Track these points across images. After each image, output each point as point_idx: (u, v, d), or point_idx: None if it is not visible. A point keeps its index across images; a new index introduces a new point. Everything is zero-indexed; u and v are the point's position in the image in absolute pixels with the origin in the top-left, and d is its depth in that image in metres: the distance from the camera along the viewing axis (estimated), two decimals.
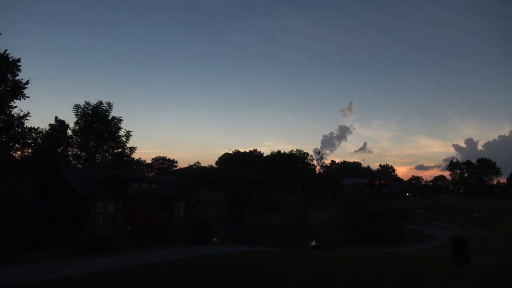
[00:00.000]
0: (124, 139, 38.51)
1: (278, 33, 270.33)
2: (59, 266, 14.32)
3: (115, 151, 38.23)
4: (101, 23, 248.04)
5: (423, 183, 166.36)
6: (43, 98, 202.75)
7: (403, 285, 10.93)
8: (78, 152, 36.66)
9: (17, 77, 25.03)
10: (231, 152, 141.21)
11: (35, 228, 23.76)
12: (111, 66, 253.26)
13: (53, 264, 14.82)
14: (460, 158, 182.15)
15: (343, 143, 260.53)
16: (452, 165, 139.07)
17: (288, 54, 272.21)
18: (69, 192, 23.85)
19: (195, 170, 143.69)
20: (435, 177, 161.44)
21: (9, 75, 24.56)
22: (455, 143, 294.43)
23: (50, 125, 34.90)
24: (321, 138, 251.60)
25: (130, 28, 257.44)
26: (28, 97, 25.29)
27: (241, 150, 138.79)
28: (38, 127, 31.52)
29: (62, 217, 23.76)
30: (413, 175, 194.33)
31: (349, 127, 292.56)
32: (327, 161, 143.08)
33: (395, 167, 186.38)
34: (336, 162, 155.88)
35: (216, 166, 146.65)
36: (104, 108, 37.46)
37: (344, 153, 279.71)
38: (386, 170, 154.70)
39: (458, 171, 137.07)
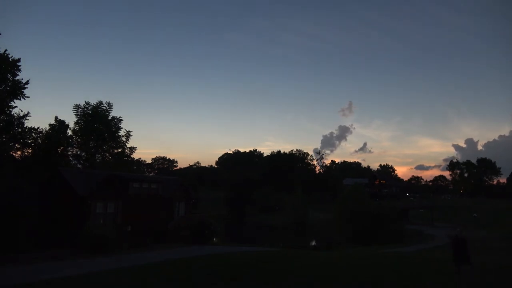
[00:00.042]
0: (124, 139, 38.54)
1: (278, 33, 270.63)
2: (59, 266, 14.32)
3: (115, 151, 38.24)
4: (101, 23, 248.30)
5: (423, 183, 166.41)
6: (43, 98, 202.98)
7: (403, 285, 10.93)
8: (78, 152, 36.67)
9: (17, 77, 25.06)
10: (231, 152, 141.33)
11: (35, 228, 23.76)
12: (111, 66, 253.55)
13: (53, 264, 14.82)
14: (460, 158, 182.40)
15: (343, 143, 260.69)
16: (452, 165, 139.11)
17: (288, 54, 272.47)
18: (69, 192, 23.85)
19: (195, 170, 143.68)
20: (435, 177, 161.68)
21: (9, 75, 24.56)
22: (455, 143, 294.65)
23: (50, 125, 34.93)
24: (321, 138, 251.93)
25: (130, 28, 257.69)
26: (28, 97, 25.32)
27: (241, 150, 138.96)
28: (38, 127, 31.57)
29: (62, 217, 23.76)
30: (413, 175, 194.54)
31: (349, 127, 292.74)
32: (327, 161, 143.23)
33: (395, 167, 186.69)
34: (336, 162, 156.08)
35: (216, 166, 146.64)
36: (104, 108, 37.48)
37: (344, 153, 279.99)
38: (386, 170, 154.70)
39: (458, 171, 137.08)
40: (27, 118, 26.79)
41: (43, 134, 32.98)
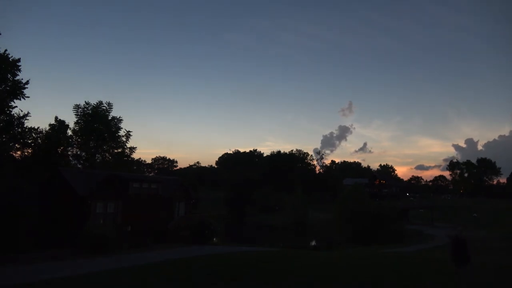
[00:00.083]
0: (124, 139, 38.57)
1: (278, 33, 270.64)
2: (59, 266, 14.31)
3: (115, 151, 38.25)
4: (101, 23, 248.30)
5: (423, 183, 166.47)
6: (43, 98, 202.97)
7: (403, 285, 10.92)
8: (78, 152, 36.69)
9: (17, 77, 25.09)
10: (231, 152, 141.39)
11: (35, 228, 23.76)
12: (111, 66, 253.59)
13: (53, 264, 14.81)
14: (460, 158, 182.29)
15: (343, 143, 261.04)
16: (452, 165, 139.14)
17: (288, 54, 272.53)
18: (69, 192, 23.86)
19: (195, 170, 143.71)
20: (435, 177, 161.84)
21: (9, 75, 24.57)
22: (455, 143, 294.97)
23: (50, 125, 34.96)
24: (321, 138, 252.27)
25: (130, 28, 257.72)
26: (28, 97, 25.34)
27: (241, 150, 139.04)
28: (38, 127, 31.61)
29: (62, 217, 23.77)
30: (413, 175, 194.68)
31: (349, 127, 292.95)
32: (327, 161, 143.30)
33: (395, 167, 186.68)
34: (336, 162, 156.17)
35: (216, 166, 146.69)
36: (104, 108, 37.49)
37: (344, 153, 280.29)
38: (386, 170, 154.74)
39: (458, 171, 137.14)
40: (27, 118, 26.85)
41: (43, 134, 33.01)
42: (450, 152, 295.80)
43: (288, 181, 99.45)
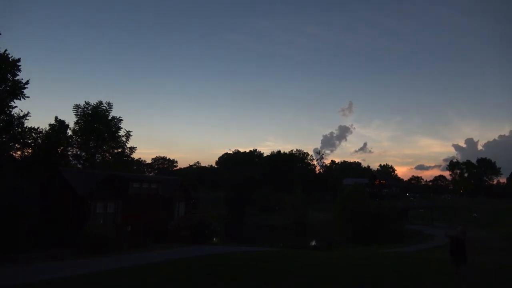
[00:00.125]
0: (124, 139, 38.56)
1: (278, 33, 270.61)
2: (59, 266, 14.32)
3: (115, 151, 38.26)
4: (101, 23, 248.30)
5: (423, 183, 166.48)
6: (43, 98, 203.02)
7: (403, 285, 10.93)
8: (78, 152, 36.69)
9: (17, 77, 25.08)
10: (231, 152, 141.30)
11: (35, 228, 23.77)
12: (111, 66, 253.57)
13: (53, 264, 14.82)
14: (460, 158, 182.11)
15: (343, 143, 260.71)
16: (452, 165, 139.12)
17: (288, 54, 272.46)
18: (69, 192, 23.86)
19: (195, 170, 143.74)
20: (435, 177, 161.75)
21: (9, 75, 24.57)
22: (455, 143, 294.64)
23: (50, 125, 34.95)
24: (321, 138, 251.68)
25: (130, 28, 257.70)
26: (28, 97, 25.33)
27: (241, 150, 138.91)
28: (38, 127, 31.61)
29: (62, 217, 23.77)
30: (413, 175, 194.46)
31: (349, 127, 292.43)
32: (327, 161, 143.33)
33: (395, 167, 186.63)
34: (336, 162, 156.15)
35: (216, 166, 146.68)
36: (104, 108, 37.49)
37: (344, 153, 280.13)
38: (386, 170, 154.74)
39: (458, 171, 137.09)
40: (27, 118, 26.85)
41: (43, 134, 33.01)
42: (450, 152, 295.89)
43: (288, 181, 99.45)
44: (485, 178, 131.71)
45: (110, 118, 37.61)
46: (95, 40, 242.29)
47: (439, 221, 65.34)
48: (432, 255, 20.94)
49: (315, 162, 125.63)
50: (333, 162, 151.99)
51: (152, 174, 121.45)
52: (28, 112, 26.70)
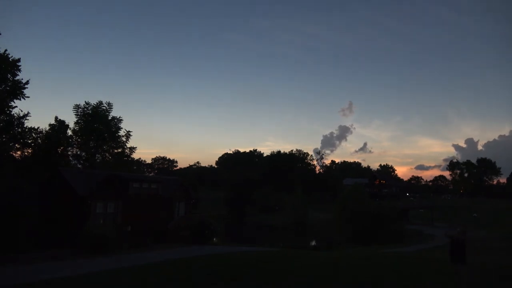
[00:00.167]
0: (124, 139, 38.56)
1: (278, 33, 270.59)
2: (59, 266, 14.32)
3: (115, 151, 38.25)
4: (101, 23, 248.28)
5: (423, 183, 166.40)
6: (43, 98, 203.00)
7: (403, 285, 10.93)
8: (78, 152, 36.68)
9: (17, 77, 25.07)
10: (231, 152, 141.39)
11: (35, 228, 23.77)
12: (111, 66, 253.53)
13: (53, 264, 14.82)
14: (460, 158, 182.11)
15: (343, 143, 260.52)
16: (452, 165, 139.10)
17: (288, 54, 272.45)
18: (69, 192, 23.86)
19: (195, 170, 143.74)
20: (435, 177, 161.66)
21: (9, 75, 24.57)
22: (455, 143, 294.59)
23: (50, 125, 34.94)
24: (321, 138, 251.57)
25: (130, 28, 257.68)
26: (28, 97, 25.33)
27: (241, 150, 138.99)
28: (38, 127, 31.59)
29: (62, 217, 23.77)
30: (413, 175, 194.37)
31: (349, 127, 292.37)
32: (327, 161, 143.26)
33: (395, 167, 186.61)
34: (336, 162, 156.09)
35: (216, 166, 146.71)
36: (104, 108, 37.49)
37: (344, 153, 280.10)
38: (386, 170, 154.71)
39: (458, 171, 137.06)
40: (27, 118, 26.84)
41: (43, 134, 33.00)
42: (450, 152, 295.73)
43: (288, 181, 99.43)
44: (485, 178, 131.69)
45: (110, 118, 37.61)
46: (95, 40, 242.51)
47: (439, 221, 65.32)
48: (432, 255, 20.94)
49: (315, 162, 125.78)
50: (333, 162, 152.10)
51: (152, 174, 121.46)
52: (28, 112, 26.73)
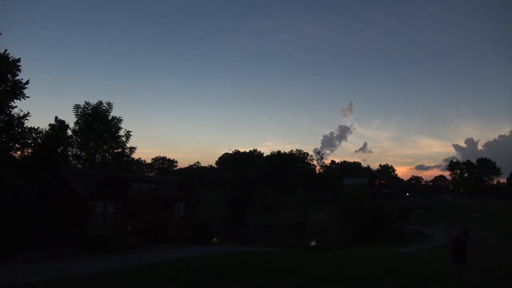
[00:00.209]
0: (124, 139, 38.55)
1: (278, 33, 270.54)
2: (59, 266, 14.32)
3: (115, 151, 38.24)
4: (101, 24, 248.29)
5: (423, 183, 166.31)
6: (43, 98, 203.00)
7: (403, 285, 10.93)
8: (78, 152, 36.68)
9: (17, 77, 25.04)
10: (231, 152, 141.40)
11: (35, 228, 23.75)
12: (111, 66, 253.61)
13: (53, 264, 14.82)
14: (460, 158, 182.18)
15: (343, 143, 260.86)
16: (452, 165, 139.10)
17: (288, 54, 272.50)
18: (69, 192, 23.85)
19: (195, 170, 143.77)
20: (435, 177, 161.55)
21: (9, 75, 24.55)
22: (455, 143, 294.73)
23: (50, 125, 34.92)
24: (321, 138, 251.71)
25: (130, 28, 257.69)
26: (28, 97, 25.31)
27: (241, 150, 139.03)
28: (38, 127, 31.57)
29: (62, 217, 23.76)
30: (413, 175, 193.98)
31: (349, 127, 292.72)
32: (327, 161, 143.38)
33: (395, 167, 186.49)
34: (336, 162, 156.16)
35: (216, 166, 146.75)
36: (104, 108, 37.48)
37: (344, 153, 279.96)
38: (386, 170, 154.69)
39: (458, 171, 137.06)
40: (27, 118, 26.81)
41: (43, 134, 32.98)
42: (450, 152, 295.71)
43: (288, 181, 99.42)
44: (485, 178, 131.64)
45: (110, 118, 37.59)
46: (95, 40, 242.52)
47: (439, 221, 65.29)
48: (432, 255, 20.95)
49: (315, 162, 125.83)
50: (333, 162, 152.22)
51: (152, 174, 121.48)
52: (28, 112, 26.71)
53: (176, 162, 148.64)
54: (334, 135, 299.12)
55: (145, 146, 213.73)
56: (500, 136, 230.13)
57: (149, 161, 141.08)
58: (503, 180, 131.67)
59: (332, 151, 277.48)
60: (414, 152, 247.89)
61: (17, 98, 25.06)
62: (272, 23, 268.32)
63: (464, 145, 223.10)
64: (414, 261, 16.54)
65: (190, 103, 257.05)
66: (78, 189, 23.77)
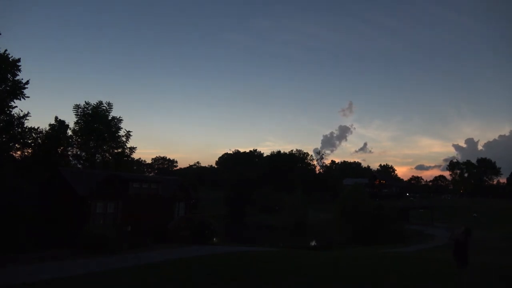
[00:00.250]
0: (124, 139, 38.54)
1: (278, 33, 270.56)
2: (59, 266, 14.32)
3: (115, 151, 38.24)
4: (101, 24, 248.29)
5: (423, 183, 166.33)
6: (43, 98, 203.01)
7: (403, 285, 10.93)
8: (78, 152, 36.67)
9: (17, 77, 25.04)
10: (231, 152, 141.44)
11: (35, 228, 23.75)
12: (111, 66, 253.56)
13: (53, 264, 14.82)
14: (460, 158, 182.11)
15: (343, 143, 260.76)
16: (452, 165, 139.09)
17: (288, 54, 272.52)
18: (69, 192, 23.85)
19: (195, 170, 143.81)
20: (435, 177, 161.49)
21: (9, 75, 24.55)
22: (455, 143, 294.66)
23: (50, 125, 34.91)
24: (321, 138, 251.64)
25: (130, 28, 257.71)
26: (28, 97, 25.31)
27: (241, 150, 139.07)
28: (38, 127, 31.55)
29: (62, 217, 23.75)
30: (413, 175, 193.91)
31: (349, 127, 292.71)
32: (327, 161, 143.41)
33: (395, 167, 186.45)
34: (336, 162, 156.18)
35: (216, 166, 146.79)
36: (104, 108, 37.48)
37: (344, 153, 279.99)
38: (386, 170, 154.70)
39: (458, 171, 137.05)
40: (27, 118, 26.81)
41: (43, 134, 32.97)
42: (450, 152, 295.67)
43: (288, 181, 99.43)
44: (485, 178, 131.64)
45: (110, 118, 37.59)
46: (95, 40, 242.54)
47: (439, 221, 65.32)
48: (432, 255, 20.96)
49: (315, 162, 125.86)
50: (333, 162, 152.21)
51: (152, 174, 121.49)
52: (28, 112, 26.70)
53: (176, 162, 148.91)
54: (334, 135, 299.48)
55: (145, 146, 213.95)
56: (500, 136, 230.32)
57: (149, 161, 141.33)
58: (503, 180, 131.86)
59: (332, 151, 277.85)
60: (414, 152, 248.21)
61: (17, 98, 25.06)
62: (272, 23, 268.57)
63: (464, 145, 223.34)
64: (414, 261, 16.55)
65: (190, 103, 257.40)
66: (78, 189, 23.77)
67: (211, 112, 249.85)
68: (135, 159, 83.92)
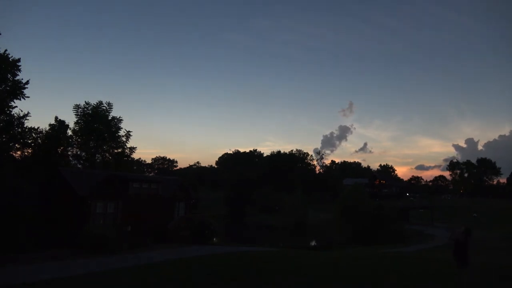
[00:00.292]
0: (124, 139, 38.51)
1: (278, 33, 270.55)
2: (59, 266, 14.32)
3: (115, 151, 38.23)
4: (101, 24, 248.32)
5: (423, 183, 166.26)
6: (43, 98, 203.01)
7: (403, 285, 10.93)
8: (78, 152, 36.65)
9: (17, 77, 25.00)
10: (231, 152, 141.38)
11: (35, 228, 23.75)
12: (111, 66, 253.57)
13: (53, 264, 14.82)
14: (460, 158, 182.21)
15: (343, 143, 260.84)
16: (452, 165, 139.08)
17: (288, 54, 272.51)
18: (69, 192, 23.85)
19: (195, 170, 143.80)
20: (435, 177, 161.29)
21: (9, 75, 24.53)
22: (455, 143, 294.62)
23: (50, 125, 34.87)
24: (321, 138, 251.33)
25: (130, 28, 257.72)
26: (28, 97, 25.28)
27: (241, 150, 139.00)
28: (38, 127, 31.48)
29: (62, 217, 23.76)
30: (413, 175, 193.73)
31: (349, 127, 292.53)
32: (327, 161, 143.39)
33: (395, 167, 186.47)
34: (336, 162, 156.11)
35: (216, 166, 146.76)
36: (104, 108, 37.47)
37: (344, 153, 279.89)
38: (386, 170, 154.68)
39: (458, 171, 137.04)
40: (27, 118, 26.76)
41: (43, 134, 32.94)
42: (450, 152, 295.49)
43: (288, 181, 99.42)
44: (485, 178, 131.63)
45: (110, 118, 37.57)
46: (95, 40, 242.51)
47: (439, 221, 65.33)
48: (432, 255, 20.96)
49: (315, 162, 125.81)
50: (333, 162, 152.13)
51: (152, 174, 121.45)
52: (28, 112, 26.64)
53: (176, 162, 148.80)
54: (334, 135, 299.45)
55: (145, 146, 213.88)
56: (500, 136, 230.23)
57: (149, 161, 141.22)
58: (503, 180, 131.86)
59: (332, 151, 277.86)
60: (414, 152, 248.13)
61: (17, 98, 25.03)
62: (272, 23, 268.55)
63: (464, 145, 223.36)
64: (414, 261, 16.55)
65: (190, 103, 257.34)
66: (78, 189, 23.77)
67: (211, 112, 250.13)
68: (135, 159, 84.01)
